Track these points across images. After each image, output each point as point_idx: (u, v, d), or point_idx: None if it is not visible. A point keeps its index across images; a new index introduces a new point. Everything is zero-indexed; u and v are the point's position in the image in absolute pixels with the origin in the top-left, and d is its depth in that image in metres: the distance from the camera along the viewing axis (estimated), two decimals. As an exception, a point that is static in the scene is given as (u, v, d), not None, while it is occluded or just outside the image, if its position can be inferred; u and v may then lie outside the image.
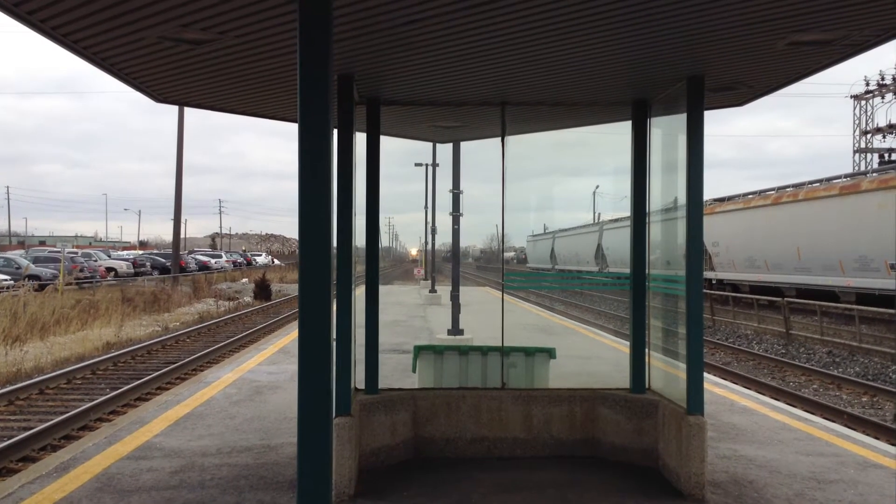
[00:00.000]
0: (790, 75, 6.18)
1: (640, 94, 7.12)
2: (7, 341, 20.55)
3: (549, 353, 7.90)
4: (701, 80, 6.27)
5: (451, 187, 18.95)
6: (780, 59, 5.68)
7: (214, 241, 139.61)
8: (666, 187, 7.23)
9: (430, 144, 20.84)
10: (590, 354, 16.31)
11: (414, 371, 8.19)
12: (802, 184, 32.22)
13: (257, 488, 6.57)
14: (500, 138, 7.76)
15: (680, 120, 6.71)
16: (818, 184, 30.84)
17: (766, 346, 22.93)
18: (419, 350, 7.93)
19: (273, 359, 14.76)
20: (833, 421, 11.04)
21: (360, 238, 7.25)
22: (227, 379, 12.45)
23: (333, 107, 4.18)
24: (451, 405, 7.26)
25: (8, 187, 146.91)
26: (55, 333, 23.79)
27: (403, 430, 7.17)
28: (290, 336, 18.51)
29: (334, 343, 6.58)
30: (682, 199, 6.58)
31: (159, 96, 6.89)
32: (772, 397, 13.21)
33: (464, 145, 18.32)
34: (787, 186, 33.37)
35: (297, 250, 3.95)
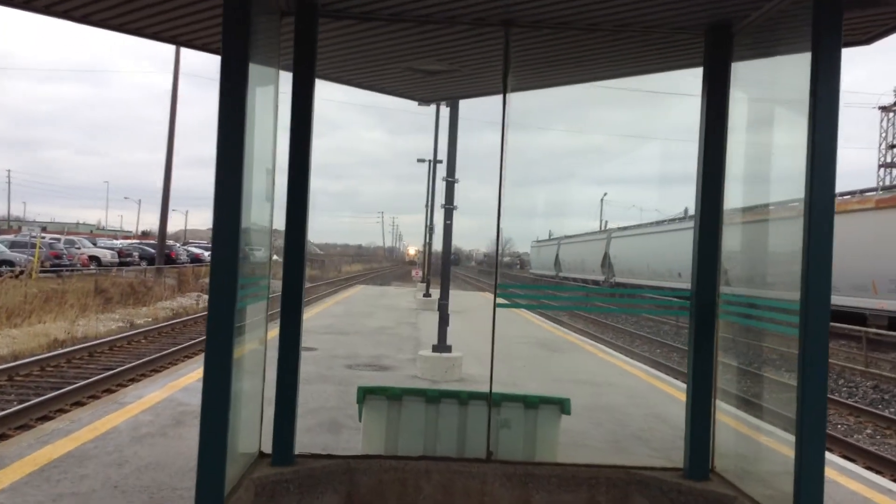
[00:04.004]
0: None
1: (720, 12, 4.56)
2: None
3: (562, 405, 5.28)
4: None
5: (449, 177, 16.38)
6: None
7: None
8: (753, 169, 4.72)
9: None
10: (600, 380, 13.75)
11: (361, 420, 5.60)
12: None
13: None
14: (502, 85, 5.22)
15: (780, 64, 4.23)
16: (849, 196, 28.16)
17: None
18: (364, 394, 5.30)
19: (221, 372, 12.24)
20: None
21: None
22: (149, 399, 9.89)
23: None
24: (407, 485, 4.69)
25: (9, 171, 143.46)
26: (13, 325, 21.52)
27: (330, 524, 4.62)
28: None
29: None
30: (786, 186, 4.09)
31: None
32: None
33: (472, 143, 15.85)
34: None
35: None
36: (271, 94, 4.83)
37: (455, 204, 15.38)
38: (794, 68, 4.18)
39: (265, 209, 4.81)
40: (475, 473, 4.78)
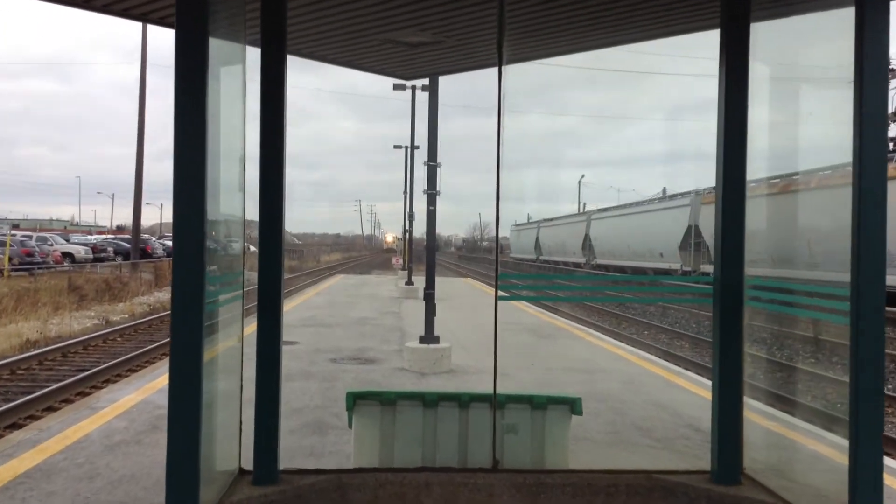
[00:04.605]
0: None
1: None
2: None
3: (572, 405, 4.81)
4: None
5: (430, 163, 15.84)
6: None
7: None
8: (779, 138, 4.28)
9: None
10: (592, 366, 13.33)
11: (351, 427, 5.10)
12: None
13: None
14: (496, 56, 4.72)
15: (807, 24, 3.80)
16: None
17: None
18: (354, 399, 4.79)
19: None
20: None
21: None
22: (124, 402, 9.36)
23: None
24: (406, 500, 4.22)
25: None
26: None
27: (322, 547, 4.15)
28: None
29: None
30: (822, 156, 3.66)
31: None
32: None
33: (446, 129, 15.36)
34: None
35: None
36: (238, 73, 4.33)
37: (437, 189, 14.90)
38: (824, 27, 3.76)
39: (236, 198, 4.32)
40: (481, 485, 4.32)
